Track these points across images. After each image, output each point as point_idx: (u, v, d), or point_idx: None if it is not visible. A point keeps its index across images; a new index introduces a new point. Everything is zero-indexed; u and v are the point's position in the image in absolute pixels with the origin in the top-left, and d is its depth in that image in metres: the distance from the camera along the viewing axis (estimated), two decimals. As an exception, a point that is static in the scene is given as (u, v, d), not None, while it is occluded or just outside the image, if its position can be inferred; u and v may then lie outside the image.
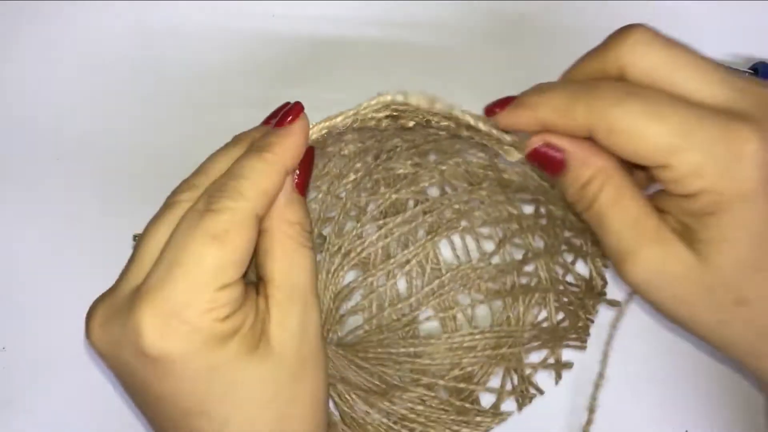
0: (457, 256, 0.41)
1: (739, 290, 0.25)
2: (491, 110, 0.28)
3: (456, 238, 0.41)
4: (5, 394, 0.39)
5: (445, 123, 0.28)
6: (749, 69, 0.41)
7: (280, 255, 0.27)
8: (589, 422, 0.37)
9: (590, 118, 0.25)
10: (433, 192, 0.40)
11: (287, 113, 0.28)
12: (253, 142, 0.28)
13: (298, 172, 0.28)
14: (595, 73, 0.27)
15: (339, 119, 0.28)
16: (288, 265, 0.27)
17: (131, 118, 0.43)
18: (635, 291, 0.27)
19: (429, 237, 0.39)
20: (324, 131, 0.28)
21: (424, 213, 0.39)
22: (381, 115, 0.28)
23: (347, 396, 0.35)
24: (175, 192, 0.27)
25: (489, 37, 0.43)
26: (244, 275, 0.26)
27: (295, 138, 0.27)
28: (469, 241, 0.41)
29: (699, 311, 0.26)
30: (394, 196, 0.38)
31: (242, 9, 0.44)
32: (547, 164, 0.27)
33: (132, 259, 0.26)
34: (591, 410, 0.37)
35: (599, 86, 0.25)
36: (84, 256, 0.40)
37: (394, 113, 0.28)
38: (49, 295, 0.40)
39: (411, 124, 0.29)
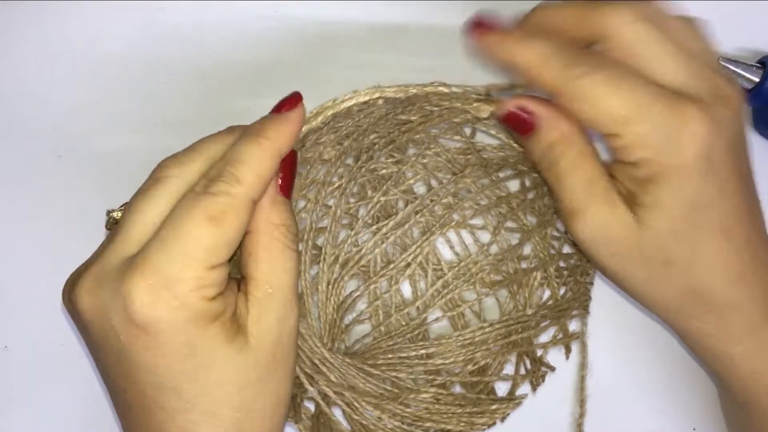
0: (456, 253, 0.41)
1: (668, 252, 0.28)
2: (473, 28, 0.29)
3: (451, 234, 0.41)
4: (7, 392, 0.39)
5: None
6: (756, 63, 0.42)
7: (263, 256, 0.28)
8: (582, 414, 0.37)
9: (560, 80, 0.27)
10: (420, 188, 0.40)
11: (284, 102, 0.29)
12: (248, 128, 0.29)
13: (281, 174, 0.29)
14: (571, 23, 0.28)
15: (319, 119, 0.28)
16: (270, 266, 0.28)
17: (132, 117, 0.43)
18: (581, 247, 0.30)
19: (425, 237, 0.39)
20: (304, 131, 0.29)
21: (416, 213, 0.39)
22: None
23: (356, 404, 0.34)
24: (162, 167, 0.28)
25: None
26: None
27: (291, 125, 0.28)
28: (465, 234, 0.41)
29: (631, 268, 0.29)
30: (382, 199, 0.39)
31: (247, 9, 0.45)
32: (518, 126, 0.30)
33: (120, 230, 0.27)
34: (582, 403, 0.38)
35: (579, 52, 0.27)
36: (86, 254, 0.40)
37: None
38: (51, 293, 0.39)
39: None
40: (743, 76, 0.41)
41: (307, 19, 0.44)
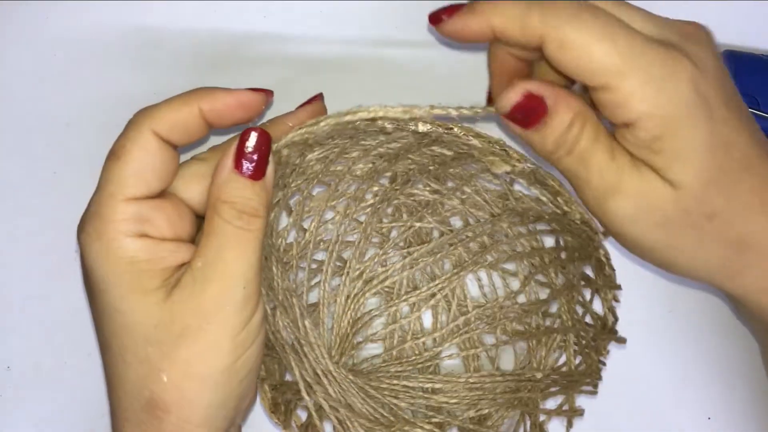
0: (484, 294, 0.40)
1: (708, 205, 0.26)
2: (438, 17, 0.28)
3: (482, 274, 0.40)
4: (9, 413, 0.39)
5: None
6: None
7: (206, 229, 0.28)
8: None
9: (543, 30, 0.25)
10: (455, 222, 0.39)
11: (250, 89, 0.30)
12: None
13: (256, 156, 0.28)
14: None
15: (321, 125, 0.28)
16: (207, 241, 0.28)
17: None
18: (619, 230, 0.28)
19: (456, 271, 0.38)
20: (306, 136, 0.29)
21: (450, 245, 0.38)
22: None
23: (348, 423, 0.34)
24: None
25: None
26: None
27: (227, 94, 0.29)
28: (495, 277, 0.39)
29: (678, 234, 0.27)
30: (417, 224, 0.38)
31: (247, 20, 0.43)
32: (529, 115, 0.27)
33: None
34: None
35: (558, 5, 0.25)
36: None
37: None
38: (52, 312, 0.40)
39: (424, 128, 0.29)
40: None
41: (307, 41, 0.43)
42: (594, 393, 0.35)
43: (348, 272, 0.37)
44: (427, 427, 0.35)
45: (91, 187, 0.28)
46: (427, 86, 0.42)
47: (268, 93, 0.30)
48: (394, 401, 0.36)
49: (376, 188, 0.37)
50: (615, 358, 0.36)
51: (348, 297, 0.38)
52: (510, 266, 0.39)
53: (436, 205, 0.38)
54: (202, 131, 0.29)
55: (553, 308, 0.37)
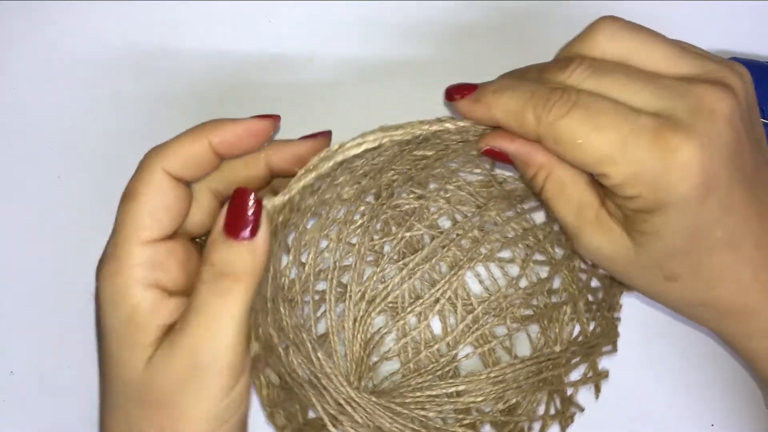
0: (486, 288, 0.40)
1: (669, 270, 0.28)
2: (451, 95, 0.29)
3: (480, 268, 0.40)
4: (12, 418, 0.39)
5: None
6: None
7: (193, 291, 0.27)
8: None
9: (538, 128, 0.27)
10: (444, 223, 0.39)
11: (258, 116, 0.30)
12: None
13: (246, 218, 0.27)
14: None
15: (324, 165, 0.28)
16: (191, 303, 0.27)
17: (133, 135, 0.41)
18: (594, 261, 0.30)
19: (453, 272, 0.38)
20: (312, 180, 0.29)
21: (442, 247, 0.39)
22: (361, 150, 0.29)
23: None
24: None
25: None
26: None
27: (235, 124, 0.29)
28: (493, 268, 0.40)
29: (637, 284, 0.29)
30: (407, 235, 0.38)
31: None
32: (498, 160, 0.30)
33: None
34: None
35: (550, 96, 0.26)
36: (89, 276, 0.37)
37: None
38: (55, 317, 0.40)
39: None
40: None
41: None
42: (614, 352, 0.35)
43: (350, 296, 0.37)
44: (460, 430, 0.35)
45: (94, 191, 0.28)
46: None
47: (275, 118, 0.30)
48: (422, 413, 0.36)
49: (362, 207, 0.37)
50: (618, 364, 0.37)
51: (355, 320, 0.38)
52: (505, 254, 0.39)
53: (422, 210, 0.38)
54: (213, 164, 0.29)
55: (556, 283, 0.38)
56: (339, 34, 0.42)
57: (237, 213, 0.27)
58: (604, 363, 0.36)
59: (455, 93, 0.29)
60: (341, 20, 0.42)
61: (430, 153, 0.33)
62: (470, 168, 0.37)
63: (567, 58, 0.27)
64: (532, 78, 0.28)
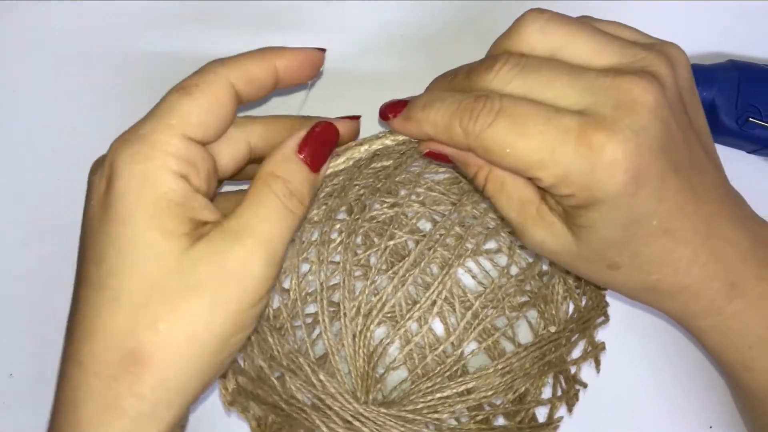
0: (480, 282, 0.40)
1: (609, 260, 0.28)
2: (385, 115, 0.29)
3: (470, 264, 0.40)
4: (12, 420, 0.39)
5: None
6: None
7: (249, 197, 0.27)
8: None
9: (467, 140, 0.27)
10: (425, 225, 0.39)
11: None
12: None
13: (312, 141, 0.28)
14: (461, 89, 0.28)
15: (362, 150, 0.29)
16: (248, 205, 0.27)
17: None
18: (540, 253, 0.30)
19: (444, 271, 0.39)
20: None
21: (429, 249, 0.39)
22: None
23: None
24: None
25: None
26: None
27: (296, 51, 0.29)
28: (482, 261, 0.40)
29: (582, 273, 0.30)
30: (391, 243, 0.39)
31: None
32: (440, 161, 0.30)
33: None
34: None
35: (475, 105, 0.26)
36: None
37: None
38: (56, 319, 0.38)
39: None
40: None
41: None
42: (606, 321, 0.35)
43: (345, 313, 0.38)
44: (474, 427, 0.35)
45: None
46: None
47: (324, 51, 0.30)
48: (435, 416, 0.36)
49: (338, 225, 0.38)
50: (616, 367, 0.37)
51: (354, 336, 0.38)
52: (491, 245, 0.39)
53: (399, 217, 0.38)
54: (270, 89, 0.29)
55: (546, 265, 0.38)
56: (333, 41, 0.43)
57: (321, 144, 0.28)
58: (604, 363, 0.35)
59: (388, 112, 0.29)
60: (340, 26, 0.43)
61: (388, 163, 0.34)
62: (434, 168, 0.37)
63: (493, 56, 0.27)
64: (460, 80, 0.28)
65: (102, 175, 0.26)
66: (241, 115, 0.30)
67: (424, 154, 0.29)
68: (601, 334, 0.36)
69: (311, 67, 0.30)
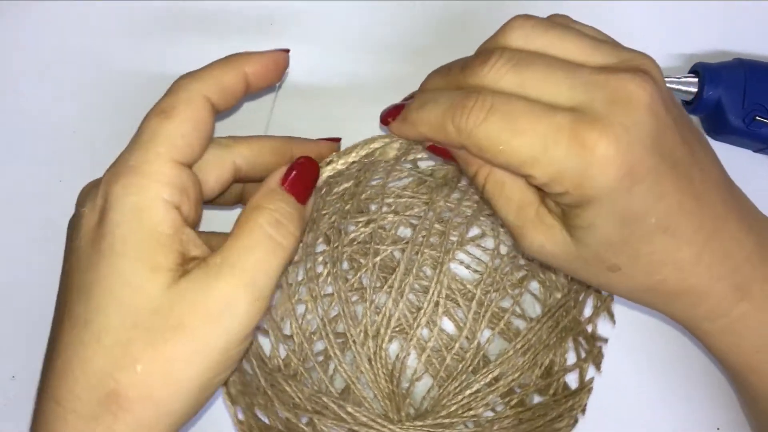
0: (475, 270, 0.40)
1: (609, 261, 0.27)
2: (385, 120, 0.29)
3: (460, 255, 0.40)
4: (15, 423, 0.38)
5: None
6: (689, 73, 0.40)
7: (236, 232, 0.26)
8: None
9: (460, 137, 0.26)
10: (404, 231, 0.39)
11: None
12: None
13: (295, 173, 0.28)
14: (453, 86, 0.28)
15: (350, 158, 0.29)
16: (237, 241, 0.26)
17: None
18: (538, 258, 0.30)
19: (438, 270, 0.38)
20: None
21: (416, 254, 0.38)
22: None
23: None
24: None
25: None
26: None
27: (262, 55, 0.29)
28: (472, 249, 0.40)
29: (582, 277, 0.29)
30: (377, 260, 0.38)
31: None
32: (442, 156, 0.29)
33: None
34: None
35: (467, 103, 0.26)
36: None
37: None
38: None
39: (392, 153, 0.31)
40: (679, 90, 0.39)
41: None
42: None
43: (354, 340, 0.37)
44: (511, 413, 0.35)
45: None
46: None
47: (287, 51, 0.31)
48: (471, 413, 0.36)
49: (320, 258, 0.37)
50: (621, 368, 0.37)
51: (370, 360, 0.37)
52: (474, 231, 0.39)
53: (377, 232, 0.38)
54: (241, 96, 0.29)
55: None
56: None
57: (305, 178, 0.28)
58: (607, 368, 0.35)
59: (388, 116, 0.29)
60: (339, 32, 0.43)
61: (348, 184, 0.34)
62: (395, 175, 0.37)
63: (489, 50, 0.27)
64: (455, 74, 0.27)
65: (94, 206, 0.26)
66: (219, 124, 0.30)
67: (428, 147, 0.29)
68: (607, 336, 0.36)
69: (278, 69, 0.30)
